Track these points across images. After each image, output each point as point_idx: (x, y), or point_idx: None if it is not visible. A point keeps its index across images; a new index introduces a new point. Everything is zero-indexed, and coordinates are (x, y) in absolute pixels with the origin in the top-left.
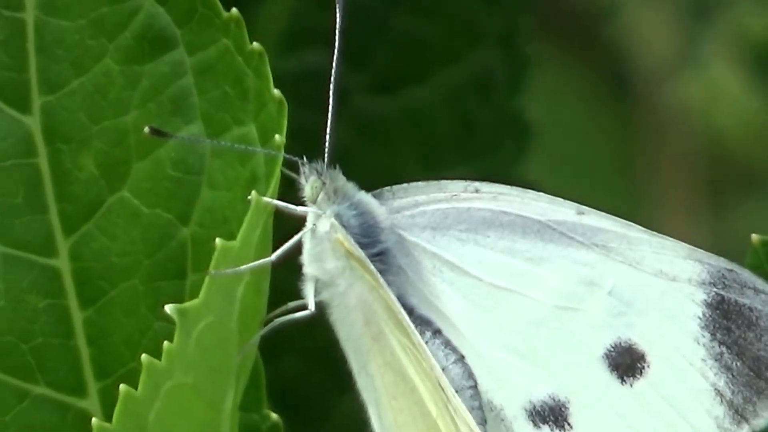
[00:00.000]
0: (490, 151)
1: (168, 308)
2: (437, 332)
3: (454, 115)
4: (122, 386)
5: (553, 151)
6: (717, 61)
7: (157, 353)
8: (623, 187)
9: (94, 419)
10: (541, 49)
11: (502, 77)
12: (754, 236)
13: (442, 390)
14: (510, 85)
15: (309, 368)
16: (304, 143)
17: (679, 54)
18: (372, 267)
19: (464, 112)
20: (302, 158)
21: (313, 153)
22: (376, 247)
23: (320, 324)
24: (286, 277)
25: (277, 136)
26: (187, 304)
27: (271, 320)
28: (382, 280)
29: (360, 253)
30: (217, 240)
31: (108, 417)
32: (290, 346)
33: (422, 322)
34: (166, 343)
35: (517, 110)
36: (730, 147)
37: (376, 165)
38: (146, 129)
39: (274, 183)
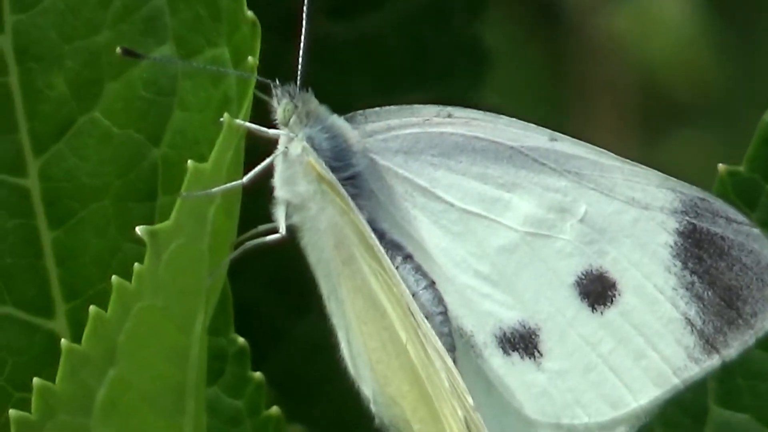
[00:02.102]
0: (446, 78)
1: (139, 230)
2: (408, 257)
3: (410, 41)
4: (92, 307)
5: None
6: None
7: (126, 275)
8: (553, 119)
9: (63, 340)
10: None
11: (459, 4)
12: (721, 166)
13: (412, 315)
14: (467, 13)
15: (264, 292)
16: (269, 67)
17: None
18: (343, 190)
19: (420, 38)
20: (275, 80)
21: (278, 77)
22: (347, 171)
23: (276, 248)
24: (255, 202)
25: (250, 58)
26: (158, 225)
27: (241, 243)
28: (352, 203)
29: (331, 176)
30: (189, 162)
31: (76, 338)
32: (245, 269)
33: (393, 247)
34: (136, 264)
35: (474, 37)
36: (661, 78)
37: (331, 91)
38: (118, 49)
39: (247, 105)
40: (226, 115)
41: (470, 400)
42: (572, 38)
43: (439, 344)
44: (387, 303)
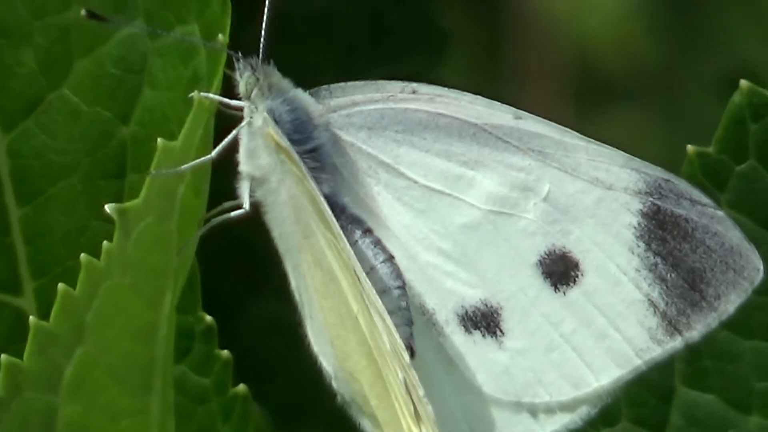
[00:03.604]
0: (405, 55)
1: (108, 208)
2: (368, 231)
3: (369, 18)
4: (60, 285)
5: None
6: None
7: (95, 253)
8: (488, 95)
9: (31, 318)
10: None
11: None
12: (690, 147)
13: (356, 275)
14: None
15: (220, 270)
16: (230, 42)
17: None
18: (296, 156)
19: (379, 16)
20: (237, 54)
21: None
22: (308, 144)
23: (233, 226)
24: (222, 180)
25: (220, 35)
26: (127, 204)
27: (207, 220)
28: (306, 169)
29: (286, 143)
30: (159, 140)
31: (44, 316)
32: (201, 247)
33: (353, 221)
34: (105, 242)
35: (432, 16)
36: (595, 55)
37: (291, 67)
38: (83, 11)
39: (217, 83)
40: (196, 92)
41: (407, 356)
42: (509, 16)
43: (379, 303)
44: (340, 273)
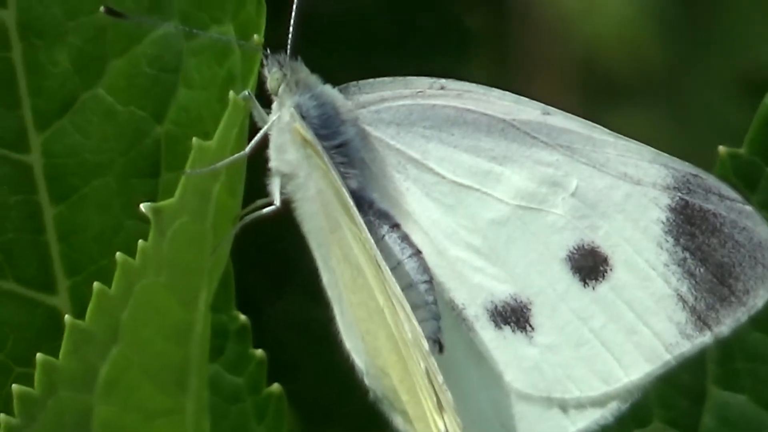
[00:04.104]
0: (431, 55)
1: (143, 207)
2: (395, 226)
3: (394, 19)
4: (96, 284)
5: None
6: None
7: (129, 251)
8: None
9: (66, 316)
10: None
11: None
12: (721, 148)
13: (379, 267)
14: None
15: (246, 269)
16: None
17: None
18: (321, 149)
19: (404, 16)
20: (266, 50)
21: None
22: (336, 139)
23: (257, 227)
24: (255, 183)
25: (255, 36)
26: (162, 203)
27: (240, 218)
28: (329, 161)
29: (311, 136)
30: (194, 139)
31: (78, 314)
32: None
33: (381, 216)
34: (140, 241)
35: (457, 16)
36: (603, 55)
37: (318, 66)
38: (102, 8)
39: (252, 83)
40: (231, 93)
41: (426, 344)
42: (519, 16)
43: (399, 291)
44: (366, 267)
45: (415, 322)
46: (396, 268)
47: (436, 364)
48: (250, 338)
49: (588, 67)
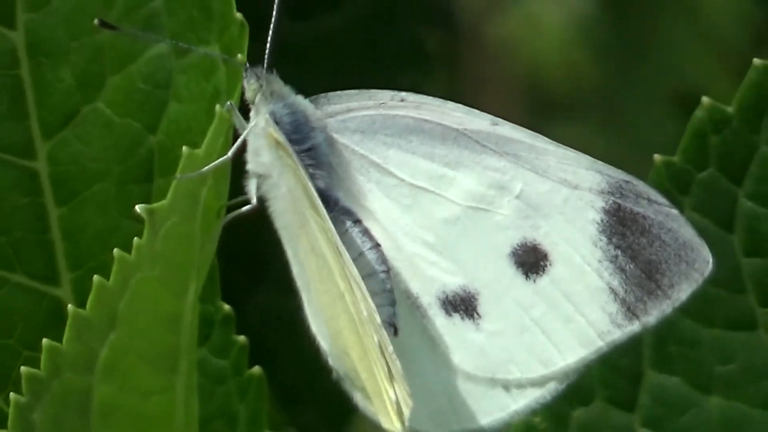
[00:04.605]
0: (394, 73)
1: (138, 208)
2: (357, 222)
3: (362, 40)
4: (96, 277)
5: None
6: (541, 1)
7: (126, 248)
8: None
9: (69, 306)
10: None
11: (403, 9)
12: (657, 156)
13: (339, 253)
14: (412, 15)
15: (224, 265)
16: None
17: None
18: (291, 149)
19: (370, 37)
20: (245, 65)
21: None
22: (305, 144)
23: (235, 228)
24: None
25: (239, 55)
26: (155, 205)
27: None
28: (298, 159)
29: (282, 138)
30: (184, 148)
31: (80, 304)
32: None
33: (345, 213)
34: (135, 239)
35: (418, 39)
36: (544, 76)
37: (292, 83)
38: (95, 21)
39: (236, 97)
40: (218, 107)
41: (378, 318)
42: (469, 39)
43: (355, 272)
44: (329, 256)
45: (370, 300)
46: (357, 258)
47: (387, 338)
48: (233, 326)
49: (531, 84)
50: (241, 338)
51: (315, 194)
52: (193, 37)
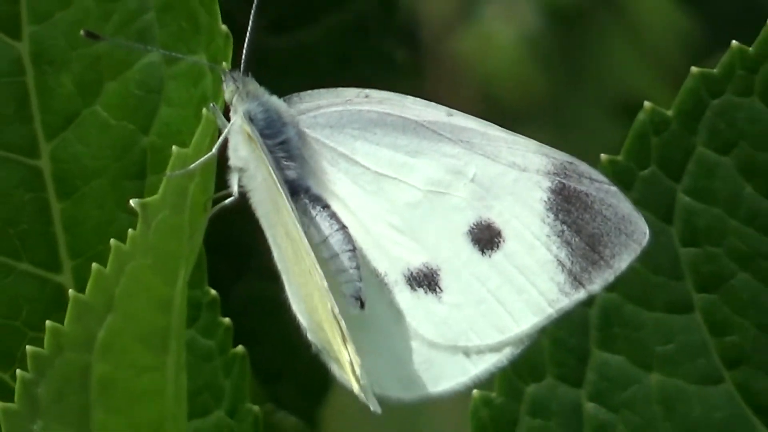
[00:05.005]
0: (366, 84)
1: (132, 202)
2: (326, 207)
3: (336, 52)
4: (94, 265)
5: None
6: (492, 20)
7: (121, 239)
8: None
9: (70, 291)
10: None
11: (377, 22)
12: (603, 156)
13: (297, 229)
14: (383, 28)
15: (208, 255)
16: None
17: (459, 13)
18: (260, 141)
19: (344, 50)
20: (224, 69)
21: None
22: (278, 138)
23: (220, 221)
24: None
25: (223, 63)
26: (148, 199)
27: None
28: (264, 148)
29: (255, 133)
30: (174, 147)
31: (79, 290)
32: None
33: (314, 199)
34: (130, 230)
35: (389, 50)
36: (497, 89)
37: (268, 87)
38: (81, 32)
39: (221, 102)
40: (204, 110)
41: (325, 283)
42: (431, 54)
43: (306, 244)
44: (297, 237)
45: (318, 268)
46: (326, 240)
47: (335, 302)
48: (219, 309)
49: (485, 94)
50: (226, 320)
51: (276, 179)
52: (182, 47)
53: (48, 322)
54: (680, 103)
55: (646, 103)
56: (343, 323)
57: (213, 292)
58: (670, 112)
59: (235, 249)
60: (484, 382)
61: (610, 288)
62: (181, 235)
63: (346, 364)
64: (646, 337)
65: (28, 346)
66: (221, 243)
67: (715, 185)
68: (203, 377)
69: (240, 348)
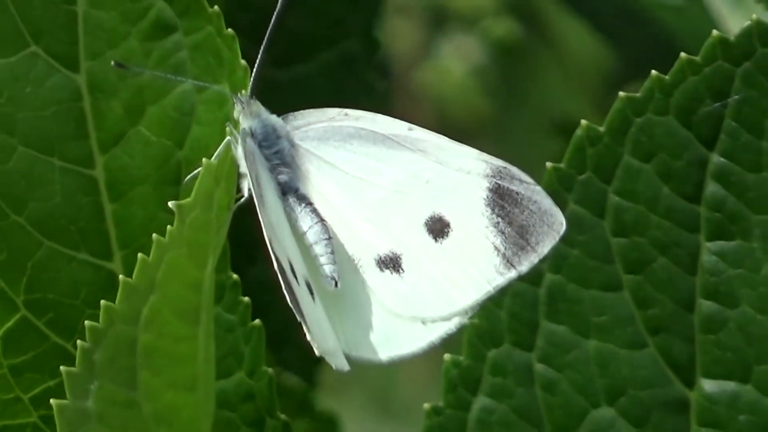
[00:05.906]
0: (352, 107)
1: (170, 204)
2: (309, 204)
3: (328, 84)
4: (139, 254)
5: None
6: (448, 56)
7: (161, 233)
8: None
9: (120, 276)
10: None
11: (362, 58)
12: (548, 164)
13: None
14: (366, 63)
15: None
16: None
17: (422, 51)
18: (256, 150)
19: (335, 82)
20: (235, 94)
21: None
22: (273, 148)
23: (235, 218)
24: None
25: (243, 91)
26: (182, 201)
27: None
28: (258, 154)
29: (251, 143)
30: (203, 159)
31: (127, 275)
32: None
33: (301, 198)
34: (168, 226)
35: (371, 81)
36: (451, 113)
37: (272, 111)
38: (112, 62)
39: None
40: (227, 126)
41: (285, 253)
42: (397, 84)
43: (277, 229)
44: (278, 226)
45: (283, 245)
46: (308, 230)
47: (311, 279)
48: (240, 289)
49: (441, 116)
50: (246, 299)
51: (263, 177)
52: (209, 78)
53: (102, 302)
54: (610, 120)
55: (583, 121)
56: (300, 299)
57: (235, 276)
58: (602, 128)
59: (249, 241)
60: (452, 347)
61: (556, 270)
62: (209, 229)
63: (305, 327)
64: (585, 311)
65: (86, 321)
66: (238, 236)
67: (639, 187)
68: (227, 345)
69: (257, 321)
